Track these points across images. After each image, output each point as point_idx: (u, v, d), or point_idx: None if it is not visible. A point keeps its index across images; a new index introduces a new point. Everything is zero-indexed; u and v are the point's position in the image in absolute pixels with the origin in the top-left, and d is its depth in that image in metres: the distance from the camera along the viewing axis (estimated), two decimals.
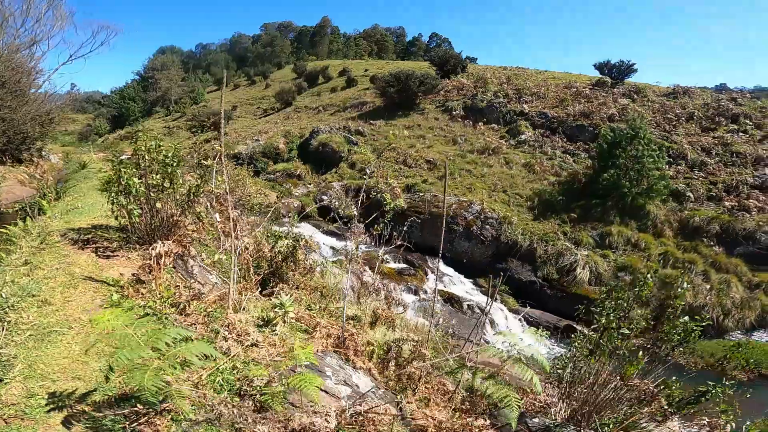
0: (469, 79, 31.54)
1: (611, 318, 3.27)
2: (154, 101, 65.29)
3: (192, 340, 2.41)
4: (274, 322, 3.13)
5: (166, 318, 3.22)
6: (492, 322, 14.56)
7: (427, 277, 16.49)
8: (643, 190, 17.44)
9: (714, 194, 17.96)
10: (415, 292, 15.43)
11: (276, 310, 3.17)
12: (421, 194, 18.94)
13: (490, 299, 4.99)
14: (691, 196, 18.03)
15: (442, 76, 32.61)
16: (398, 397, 3.04)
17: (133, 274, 4.03)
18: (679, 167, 19.82)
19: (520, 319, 15.08)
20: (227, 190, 3.75)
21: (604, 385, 3.04)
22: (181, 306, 3.29)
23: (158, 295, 3.47)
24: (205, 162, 5.96)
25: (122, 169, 4.77)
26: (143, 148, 5.00)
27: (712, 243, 15.86)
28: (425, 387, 3.55)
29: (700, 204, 17.74)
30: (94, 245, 5.01)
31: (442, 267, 17.35)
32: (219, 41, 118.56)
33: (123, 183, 4.79)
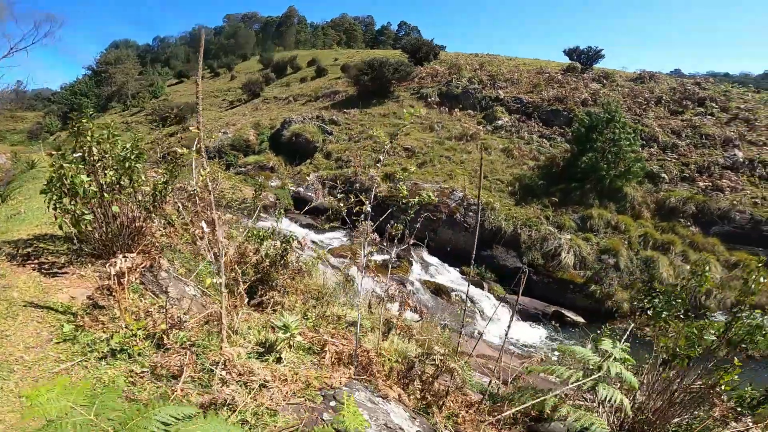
0: (442, 66, 31.07)
1: (706, 324, 2.79)
2: (110, 96, 61.54)
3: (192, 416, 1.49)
4: (277, 347, 2.48)
5: (140, 356, 2.47)
6: (481, 312, 14.29)
7: (411, 267, 16.03)
8: (620, 172, 17.58)
9: (687, 175, 18.34)
10: (401, 284, 14.94)
11: (278, 333, 2.52)
12: (401, 182, 18.38)
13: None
14: (666, 177, 18.34)
15: (415, 64, 31.99)
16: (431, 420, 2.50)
17: (88, 297, 3.21)
18: (651, 150, 20.14)
19: (508, 308, 14.90)
20: (208, 186, 3.03)
21: (679, 392, 2.61)
22: (157, 336, 2.54)
23: (124, 326, 2.70)
24: (179, 151, 5.04)
25: (64, 165, 3.89)
26: (90, 138, 4.14)
27: (689, 223, 16.17)
28: (451, 402, 3.02)
29: (675, 185, 18.07)
30: (36, 261, 4.08)
31: (426, 256, 16.97)
32: (178, 34, 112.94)
33: (67, 182, 3.91)
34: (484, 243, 16.87)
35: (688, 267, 14.10)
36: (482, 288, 15.47)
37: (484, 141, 21.49)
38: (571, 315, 14.12)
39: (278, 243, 4.63)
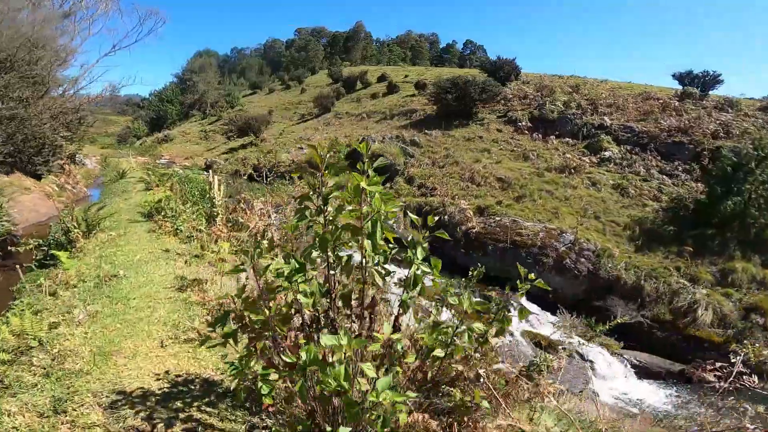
0: (530, 88, 28.61)
1: None
2: (191, 104, 65.02)
3: None
4: None
5: None
6: (593, 368, 12.05)
7: (509, 315, 13.71)
8: None
9: None
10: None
11: None
12: (497, 218, 16.19)
13: None
14: None
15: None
16: None
17: None
18: None
19: (626, 364, 12.55)
20: None
21: None
22: None
23: None
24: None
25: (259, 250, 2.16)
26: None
27: None
28: None
29: None
30: None
31: (525, 303, 14.59)
32: (253, 45, 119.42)
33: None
34: (594, 292, 14.41)
35: None
36: (594, 342, 13.02)
37: (590, 174, 18.75)
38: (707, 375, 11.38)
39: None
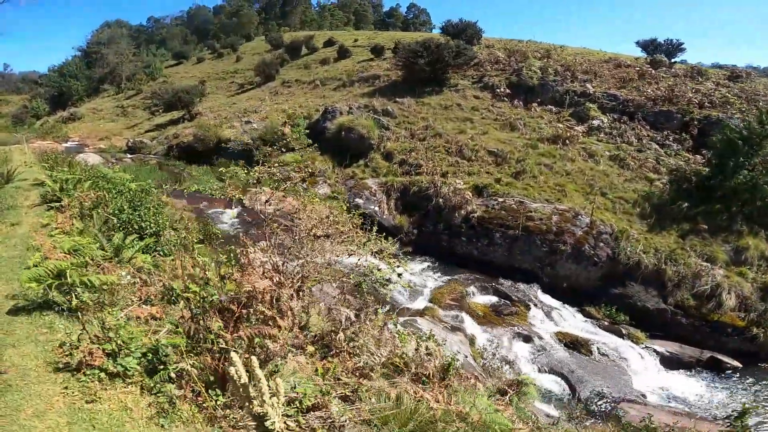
0: (501, 53, 26.56)
1: None
2: (102, 78, 55.69)
3: None
4: None
5: None
6: (627, 364, 10.85)
7: (529, 313, 11.86)
8: None
9: None
10: (526, 339, 10.85)
11: None
12: (500, 199, 14.01)
13: None
14: None
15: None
16: None
17: None
18: None
19: (655, 357, 11.49)
20: None
21: None
22: None
23: None
24: None
25: None
26: None
27: None
28: None
29: None
30: None
31: (542, 296, 12.79)
32: (174, 13, 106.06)
33: None
34: (614, 279, 12.99)
35: None
36: (621, 335, 11.92)
37: (584, 145, 17.19)
38: (728, 360, 11.21)
39: None
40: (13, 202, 9.72)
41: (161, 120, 33.87)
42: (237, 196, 10.65)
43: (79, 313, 3.63)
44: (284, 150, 19.30)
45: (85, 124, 39.21)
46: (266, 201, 5.03)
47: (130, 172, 13.76)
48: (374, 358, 4.82)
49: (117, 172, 11.53)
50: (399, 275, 5.53)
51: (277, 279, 4.43)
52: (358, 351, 4.84)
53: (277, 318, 3.97)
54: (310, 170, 17.49)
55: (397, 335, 5.85)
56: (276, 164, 17.59)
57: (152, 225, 8.25)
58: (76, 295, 3.82)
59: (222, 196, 16.29)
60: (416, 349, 5.43)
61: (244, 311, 3.97)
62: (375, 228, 6.54)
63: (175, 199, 13.39)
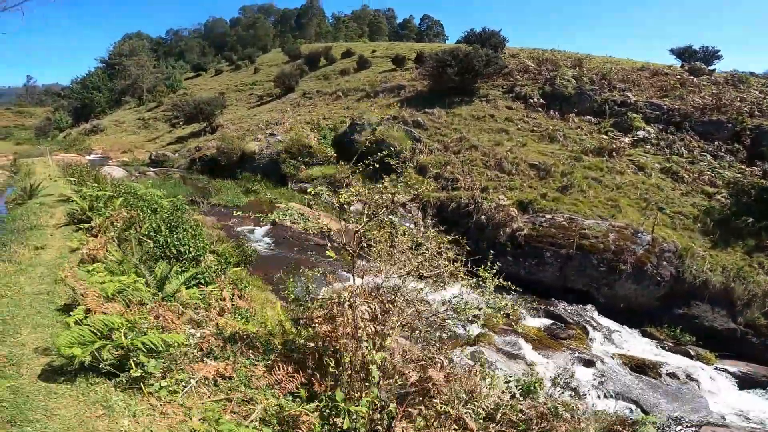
0: (530, 62, 25.74)
1: None
2: (123, 90, 56.42)
3: None
4: None
5: None
6: (699, 387, 9.89)
7: (588, 336, 10.84)
8: None
9: None
10: (588, 364, 9.81)
11: None
12: (548, 215, 13.06)
13: None
14: None
15: None
16: None
17: None
18: None
19: (726, 377, 10.47)
20: None
21: None
22: None
23: None
24: None
25: None
26: None
27: None
28: None
29: None
30: None
31: (598, 317, 11.77)
32: (191, 26, 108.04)
33: None
34: (676, 298, 11.99)
35: None
36: (689, 356, 10.95)
37: (632, 157, 16.17)
38: None
39: None
40: (37, 221, 9.10)
41: (182, 132, 33.77)
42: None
43: (142, 386, 2.83)
44: (313, 164, 18.69)
45: (107, 137, 39.41)
46: (355, 233, 4.25)
47: (155, 187, 13.21)
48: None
49: (149, 188, 10.93)
50: (507, 315, 4.67)
51: (372, 329, 3.64)
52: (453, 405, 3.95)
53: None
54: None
55: (479, 374, 4.89)
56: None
57: (191, 249, 7.55)
58: (136, 362, 3.04)
59: (249, 213, 15.74)
60: (511, 394, 4.52)
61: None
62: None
63: (205, 217, 12.75)
